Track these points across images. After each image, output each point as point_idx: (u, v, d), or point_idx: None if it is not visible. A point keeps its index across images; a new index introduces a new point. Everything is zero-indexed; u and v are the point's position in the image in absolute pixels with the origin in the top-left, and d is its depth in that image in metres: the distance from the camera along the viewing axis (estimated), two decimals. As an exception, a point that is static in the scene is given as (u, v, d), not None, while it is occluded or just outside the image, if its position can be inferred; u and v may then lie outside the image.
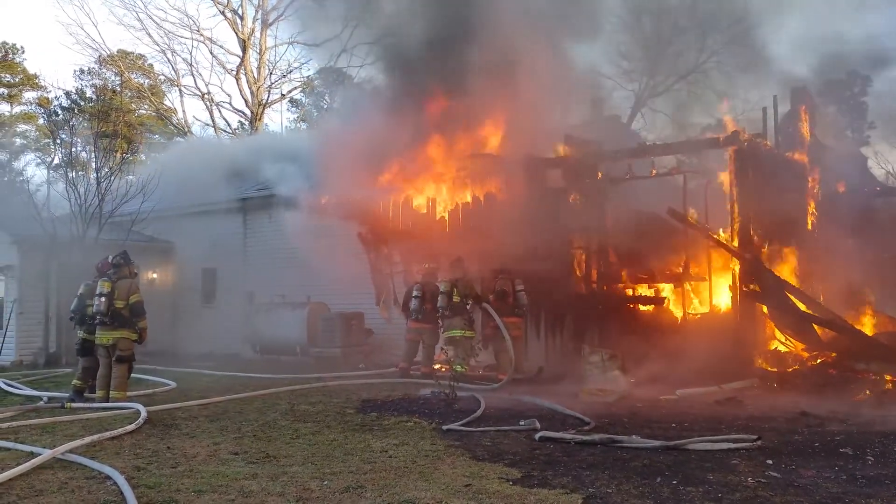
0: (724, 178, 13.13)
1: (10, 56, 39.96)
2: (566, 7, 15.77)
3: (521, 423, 8.88)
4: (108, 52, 35.64)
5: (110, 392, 11.03)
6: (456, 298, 13.60)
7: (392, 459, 7.28)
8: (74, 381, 11.73)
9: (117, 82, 36.42)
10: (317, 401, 11.28)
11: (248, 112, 34.80)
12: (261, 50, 34.66)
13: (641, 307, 13.72)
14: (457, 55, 14.08)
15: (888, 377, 11.06)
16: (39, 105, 38.69)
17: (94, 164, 20.90)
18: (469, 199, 15.16)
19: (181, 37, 35.77)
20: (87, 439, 8.13)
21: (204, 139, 35.37)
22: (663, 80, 30.07)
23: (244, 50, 34.23)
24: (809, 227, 14.23)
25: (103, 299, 11.05)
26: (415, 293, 14.47)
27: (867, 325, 12.90)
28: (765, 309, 12.64)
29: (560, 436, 8.16)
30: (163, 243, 21.91)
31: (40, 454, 7.33)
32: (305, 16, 30.36)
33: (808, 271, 13.71)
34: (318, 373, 14.80)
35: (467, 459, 7.27)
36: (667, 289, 13.86)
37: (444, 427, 8.80)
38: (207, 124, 36.40)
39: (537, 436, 8.19)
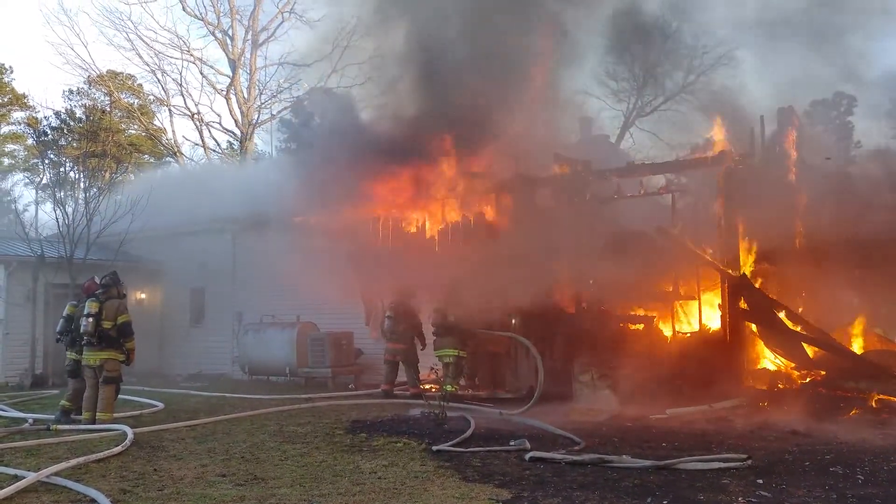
0: (713, 197, 13.19)
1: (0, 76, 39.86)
2: (555, 29, 15.86)
3: (512, 443, 8.85)
4: (98, 72, 35.56)
5: (97, 414, 10.93)
6: (451, 318, 13.51)
7: (381, 481, 7.23)
8: (63, 402, 11.65)
9: (107, 102, 36.35)
10: (306, 422, 11.20)
11: (237, 132, 34.81)
12: (251, 70, 34.72)
13: (631, 326, 13.71)
14: (447, 75, 14.13)
15: (877, 395, 11.08)
16: (28, 125, 38.56)
17: (82, 185, 20.83)
18: (459, 219, 15.17)
19: (171, 57, 35.42)
20: (73, 462, 8.04)
21: (193, 168, 35.29)
22: (651, 100, 30.31)
23: (234, 70, 34.27)
24: (797, 245, 14.27)
25: (91, 319, 10.98)
26: (388, 313, 14.36)
27: (856, 344, 12.92)
28: (754, 328, 12.66)
29: (550, 456, 8.13)
30: (151, 263, 21.80)
31: (25, 477, 7.24)
32: (295, 36, 30.51)
33: (796, 290, 13.74)
34: (308, 393, 14.74)
35: (457, 480, 7.23)
36: (656, 308, 13.85)
37: (434, 448, 8.75)
38: (197, 144, 36.35)
39: (527, 456, 8.16)
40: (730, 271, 12.56)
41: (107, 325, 11.05)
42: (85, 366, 11.17)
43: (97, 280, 11.76)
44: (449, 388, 12.80)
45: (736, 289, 12.51)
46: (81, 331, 11.10)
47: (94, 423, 10.83)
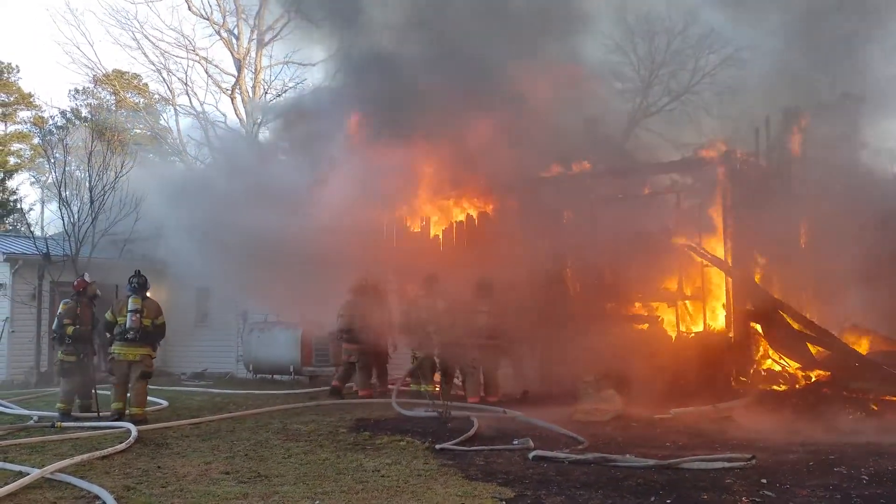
0: (718, 197, 13.16)
1: (6, 75, 39.96)
2: (560, 27, 15.84)
3: (515, 442, 8.85)
4: (104, 72, 35.67)
5: (132, 408, 11.19)
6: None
7: (385, 479, 7.24)
8: (58, 405, 11.73)
9: (112, 101, 36.43)
10: (309, 420, 11.21)
11: (243, 132, 34.80)
12: (256, 70, 34.74)
13: (636, 326, 13.67)
14: (451, 74, 14.12)
15: (882, 396, 11.03)
16: (34, 124, 38.70)
17: (87, 183, 20.87)
18: (463, 218, 15.16)
19: (177, 56, 35.60)
20: (77, 458, 8.07)
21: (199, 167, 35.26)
22: (657, 100, 30.18)
23: (239, 70, 34.28)
24: (802, 245, 14.24)
25: (137, 316, 11.37)
26: (339, 312, 14.18)
27: (861, 344, 12.87)
28: (759, 327, 12.62)
29: (554, 455, 8.12)
30: (156, 262, 21.78)
31: (29, 473, 7.26)
32: (300, 36, 30.48)
33: (801, 290, 13.70)
34: (312, 391, 14.75)
35: (460, 479, 7.23)
36: (661, 308, 13.82)
37: (438, 446, 8.75)
38: (202, 143, 36.39)
39: (531, 455, 8.15)
40: (735, 270, 12.53)
41: (146, 321, 11.45)
42: (119, 360, 11.36)
43: (87, 278, 12.25)
44: (423, 388, 12.79)
45: (741, 288, 12.48)
46: (127, 325, 11.35)
47: (123, 414, 11.12)
